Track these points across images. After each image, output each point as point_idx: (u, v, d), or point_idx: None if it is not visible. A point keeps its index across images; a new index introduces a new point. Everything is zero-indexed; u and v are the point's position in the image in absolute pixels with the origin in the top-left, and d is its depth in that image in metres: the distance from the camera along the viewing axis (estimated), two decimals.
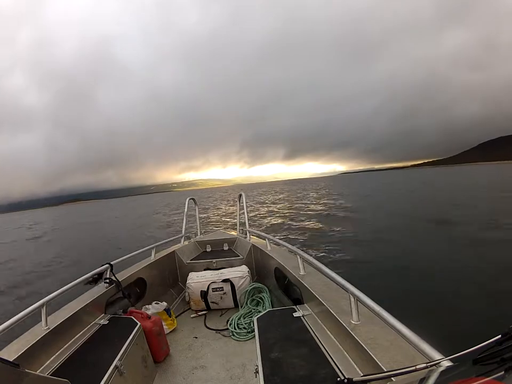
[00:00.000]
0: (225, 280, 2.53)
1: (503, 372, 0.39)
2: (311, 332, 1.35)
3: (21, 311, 1.33)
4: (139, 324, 1.65)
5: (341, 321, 1.20)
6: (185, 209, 3.59)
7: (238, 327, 2.16)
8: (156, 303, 2.21)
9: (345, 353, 1.15)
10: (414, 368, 0.64)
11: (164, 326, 2.13)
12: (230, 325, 2.20)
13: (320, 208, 16.59)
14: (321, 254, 6.54)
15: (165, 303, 2.24)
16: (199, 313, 2.51)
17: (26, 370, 0.80)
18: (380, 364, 0.91)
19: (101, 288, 1.95)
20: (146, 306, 2.19)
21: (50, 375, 1.18)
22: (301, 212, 15.32)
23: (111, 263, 2.12)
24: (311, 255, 1.76)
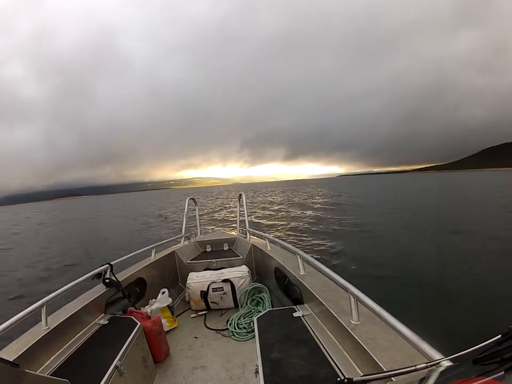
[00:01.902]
0: (225, 280, 2.53)
1: (503, 372, 0.39)
2: (311, 332, 1.35)
3: (21, 311, 1.32)
4: (139, 323, 1.65)
5: (341, 321, 1.20)
6: (185, 209, 3.59)
7: (238, 327, 2.16)
8: (162, 292, 2.25)
9: (345, 353, 1.15)
10: (414, 368, 0.64)
11: (165, 323, 2.15)
12: (230, 325, 2.20)
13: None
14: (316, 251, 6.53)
15: (170, 299, 2.27)
16: (199, 313, 2.51)
17: (26, 370, 0.80)
18: (380, 364, 0.91)
19: (101, 288, 1.95)
20: (151, 300, 2.23)
21: (50, 375, 1.18)
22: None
23: (111, 263, 2.11)
24: (311, 255, 1.76)
